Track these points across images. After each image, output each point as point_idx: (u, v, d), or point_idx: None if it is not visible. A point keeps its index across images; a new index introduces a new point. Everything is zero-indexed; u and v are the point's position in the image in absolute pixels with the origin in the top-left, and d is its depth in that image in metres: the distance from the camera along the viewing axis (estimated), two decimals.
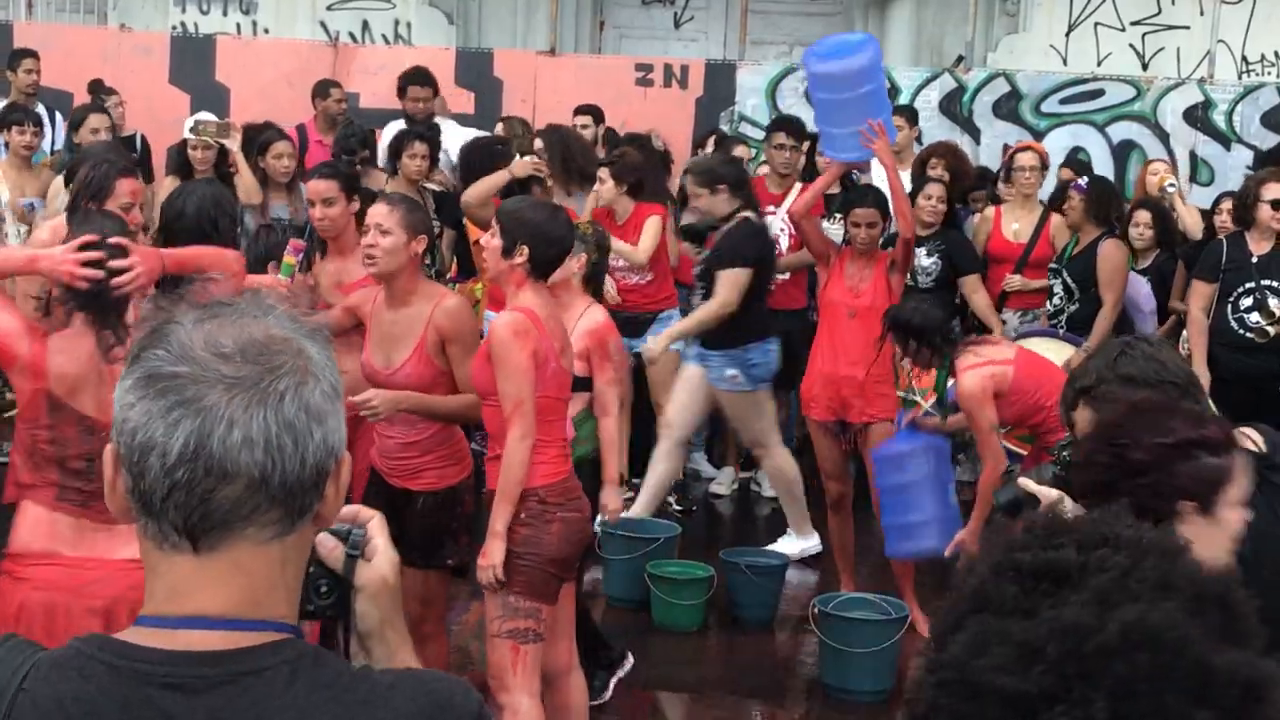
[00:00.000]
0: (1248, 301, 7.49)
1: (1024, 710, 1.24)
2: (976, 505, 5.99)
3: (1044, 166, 8.97)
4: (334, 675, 1.48)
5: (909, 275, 8.27)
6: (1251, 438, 3.15)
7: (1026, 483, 3.16)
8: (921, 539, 6.30)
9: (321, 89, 9.88)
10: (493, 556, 4.47)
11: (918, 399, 7.54)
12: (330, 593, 1.65)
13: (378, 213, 4.94)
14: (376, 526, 1.68)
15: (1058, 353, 7.35)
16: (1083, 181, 8.32)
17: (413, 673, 1.59)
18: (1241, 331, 7.49)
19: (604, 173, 7.86)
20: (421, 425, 4.93)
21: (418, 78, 9.73)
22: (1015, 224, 8.76)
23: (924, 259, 8.37)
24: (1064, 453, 3.33)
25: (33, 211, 8.53)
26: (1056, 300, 8.13)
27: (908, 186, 7.96)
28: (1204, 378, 7.35)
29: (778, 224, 8.49)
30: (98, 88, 10.02)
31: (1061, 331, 7.94)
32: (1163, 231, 8.47)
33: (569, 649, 4.80)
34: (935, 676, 1.31)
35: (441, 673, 1.61)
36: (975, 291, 8.38)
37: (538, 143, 8.63)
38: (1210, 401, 3.36)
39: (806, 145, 8.79)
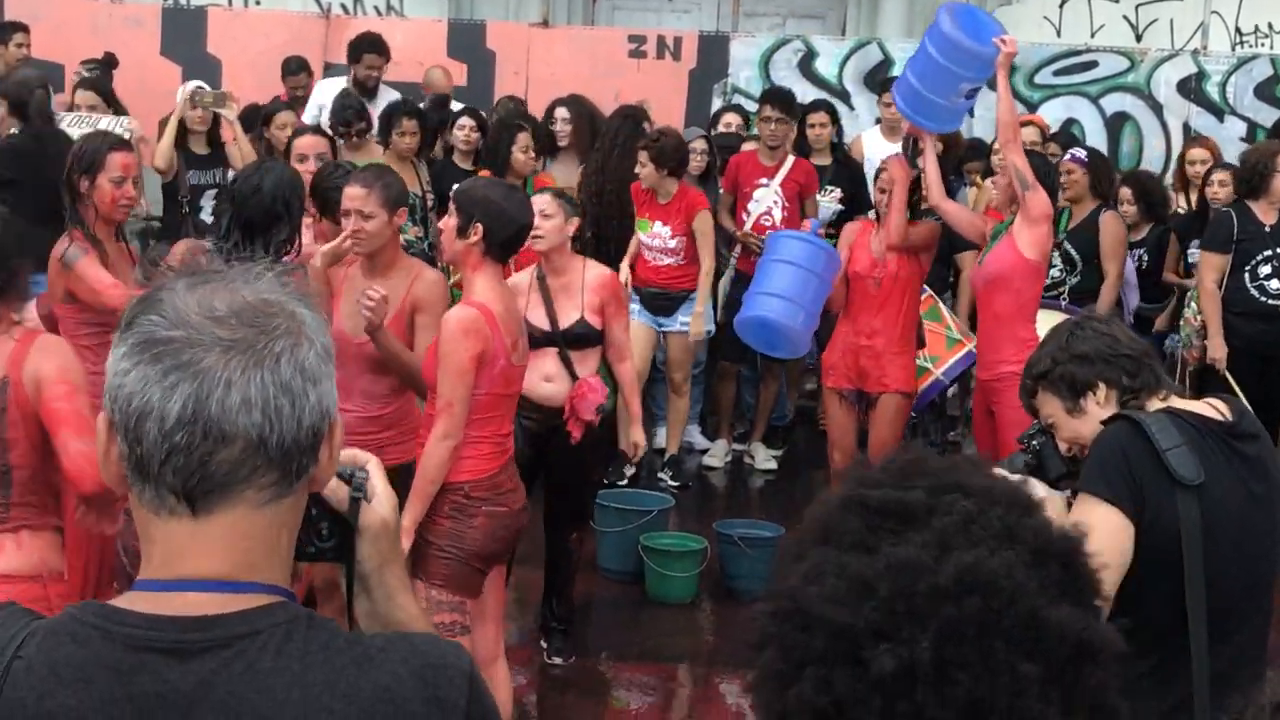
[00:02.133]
0: (1267, 269, 7.58)
1: (850, 643, 1.22)
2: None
3: (1045, 139, 8.95)
4: (328, 638, 1.48)
5: None
6: (1217, 407, 3.16)
7: (1000, 472, 3.17)
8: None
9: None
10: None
11: (929, 366, 7.57)
12: (331, 535, 1.65)
13: (355, 196, 4.91)
14: (375, 468, 1.69)
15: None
16: (1080, 153, 8.29)
17: (405, 635, 1.59)
18: (1264, 299, 7.59)
19: (644, 156, 7.83)
20: (381, 401, 4.95)
21: (372, 45, 9.62)
22: None
23: None
24: (1033, 441, 3.33)
25: None
26: (1055, 272, 8.12)
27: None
28: (1222, 350, 7.41)
29: (770, 198, 8.48)
30: (94, 62, 9.94)
31: (1064, 303, 7.95)
32: (1147, 205, 8.50)
33: (494, 640, 4.74)
34: (771, 605, 1.30)
35: (433, 635, 1.62)
36: (966, 266, 8.36)
37: (561, 111, 8.64)
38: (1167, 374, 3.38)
39: (796, 119, 8.78)
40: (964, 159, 9.40)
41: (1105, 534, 2.96)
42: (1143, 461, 3.00)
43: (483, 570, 4.55)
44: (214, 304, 1.46)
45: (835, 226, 8.96)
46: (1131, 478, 2.99)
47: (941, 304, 7.97)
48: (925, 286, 7.99)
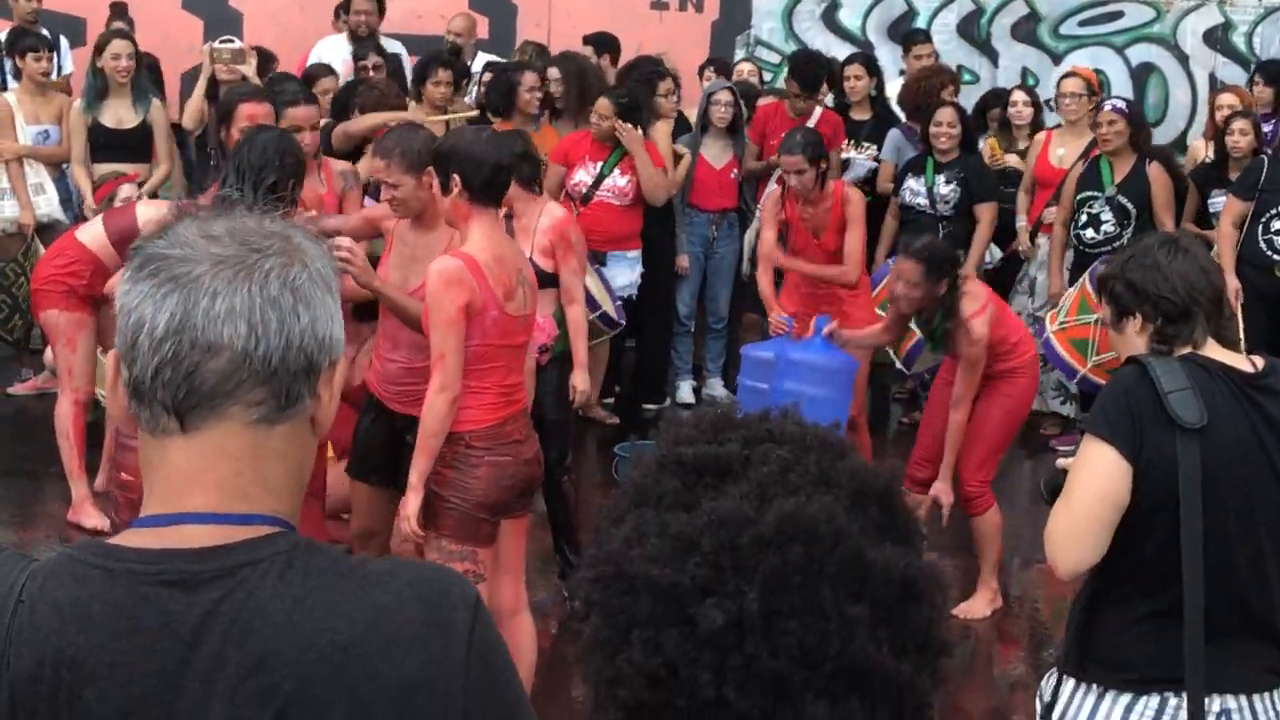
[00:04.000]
0: (1278, 225, 7.55)
1: (677, 602, 1.22)
2: (946, 453, 5.87)
3: (1092, 93, 8.86)
4: (329, 562, 1.49)
5: (930, 203, 8.30)
6: (1253, 360, 3.16)
7: (1065, 463, 3.19)
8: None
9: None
10: (407, 508, 4.45)
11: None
12: None
13: (376, 169, 4.96)
14: None
15: None
16: (1120, 102, 8.23)
17: (410, 562, 1.59)
18: (1269, 254, 7.57)
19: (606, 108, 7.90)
20: (428, 352, 4.95)
21: None
22: (1061, 149, 8.70)
23: (943, 187, 8.34)
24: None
25: (46, 140, 8.52)
26: (1108, 227, 8.06)
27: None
28: (1233, 283, 7.41)
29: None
30: (119, 11, 9.93)
31: None
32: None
33: (515, 590, 4.74)
34: (593, 572, 1.29)
35: (439, 565, 1.65)
36: (983, 218, 8.34)
37: (553, 70, 8.60)
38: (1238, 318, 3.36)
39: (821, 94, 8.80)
40: (986, 105, 9.35)
41: (1099, 473, 3.02)
42: (1144, 404, 3.01)
43: (490, 520, 4.55)
44: (212, 228, 1.50)
45: (870, 184, 8.97)
46: (1132, 419, 3.00)
47: None
48: None
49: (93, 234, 6.37)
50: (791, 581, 1.21)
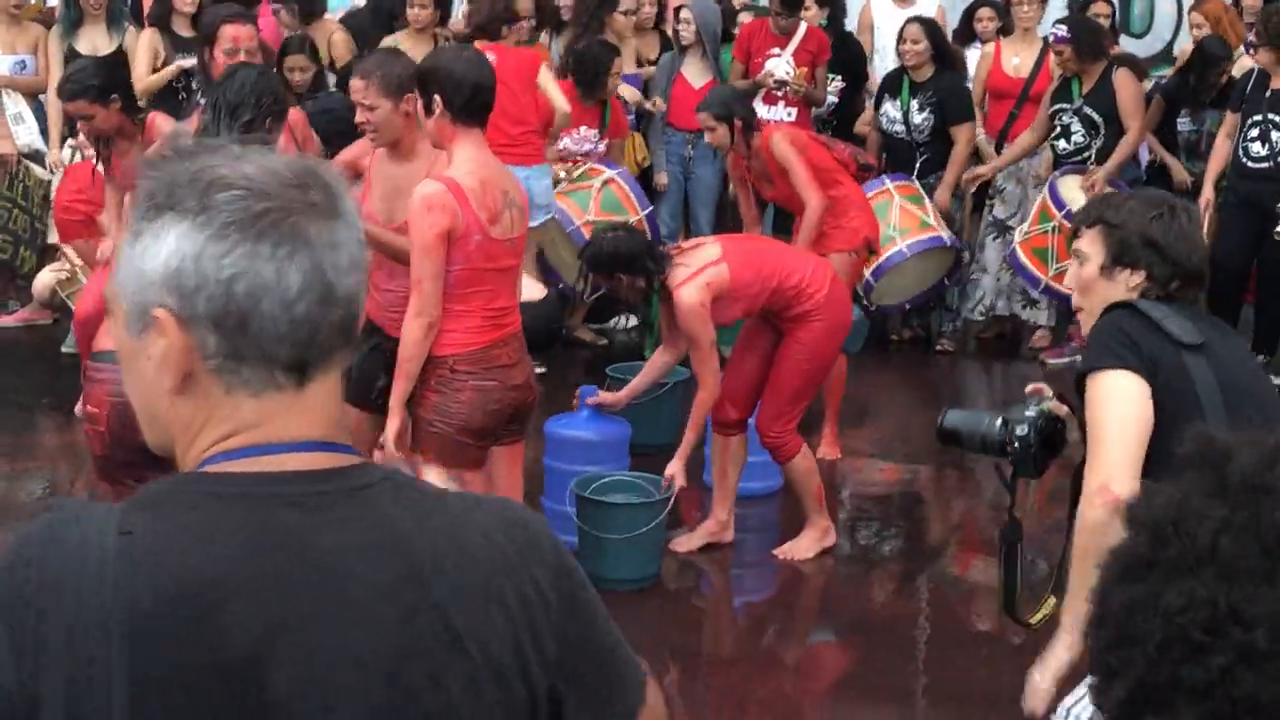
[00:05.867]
0: (1254, 133, 7.65)
1: None
2: (688, 429, 5.65)
3: None
4: (424, 493, 1.51)
5: (906, 129, 8.28)
6: None
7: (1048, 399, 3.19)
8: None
9: None
10: (388, 431, 4.49)
11: (894, 235, 7.62)
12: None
13: (356, 89, 4.85)
14: None
15: None
16: (1061, 31, 8.12)
17: (488, 496, 1.63)
18: (1246, 161, 7.77)
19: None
20: None
21: None
22: (1015, 58, 8.71)
23: (916, 115, 8.33)
24: (1019, 430, 3.20)
25: (23, 70, 8.44)
26: (1077, 138, 8.10)
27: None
28: (1207, 194, 7.84)
29: (782, 67, 8.41)
30: None
31: (1091, 165, 7.98)
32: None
33: None
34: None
35: (516, 501, 1.67)
36: (958, 141, 8.32)
37: None
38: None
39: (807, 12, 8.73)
40: (973, 7, 9.26)
41: (1126, 398, 2.98)
42: (1142, 332, 3.02)
43: (475, 444, 4.57)
44: (276, 168, 1.43)
45: (837, 114, 8.93)
46: (1135, 345, 3.01)
47: (927, 198, 8.00)
48: (912, 178, 8.05)
49: None
50: None
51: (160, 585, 1.33)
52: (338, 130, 6.00)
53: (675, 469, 5.57)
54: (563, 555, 1.54)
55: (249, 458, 1.43)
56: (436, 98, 4.42)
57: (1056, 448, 3.19)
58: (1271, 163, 7.64)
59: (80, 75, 5.94)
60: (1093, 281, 3.20)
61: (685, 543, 5.88)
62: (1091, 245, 3.20)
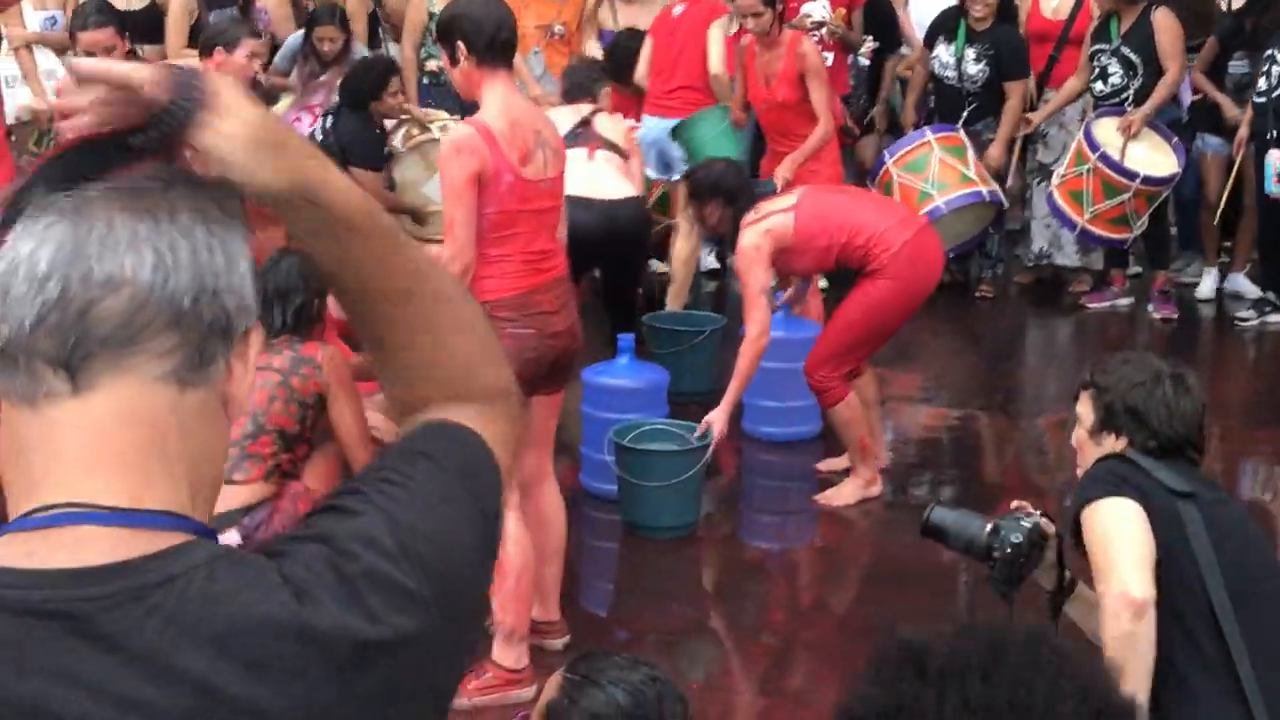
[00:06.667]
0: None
1: None
2: (734, 376, 5.60)
3: None
4: (255, 574, 1.17)
5: (958, 77, 8.17)
6: None
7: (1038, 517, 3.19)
8: None
9: None
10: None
11: (932, 192, 7.52)
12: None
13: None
14: (223, 84, 1.26)
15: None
16: None
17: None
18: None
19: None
20: None
21: None
22: (1054, 1, 8.60)
23: (971, 65, 8.22)
24: (1011, 538, 3.17)
25: (54, 26, 8.41)
26: (1116, 79, 7.99)
27: None
28: (1243, 134, 7.93)
29: (819, 11, 8.26)
30: None
31: (1129, 107, 7.86)
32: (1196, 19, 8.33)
33: (540, 460, 4.68)
34: None
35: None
36: (1011, 96, 8.22)
37: None
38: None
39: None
40: None
41: (1128, 517, 3.06)
42: (1136, 478, 3.12)
43: None
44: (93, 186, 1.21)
45: (870, 74, 8.80)
46: (1127, 481, 3.11)
47: (971, 149, 7.89)
48: (957, 128, 7.94)
49: None
50: None
51: None
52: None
53: (715, 415, 5.55)
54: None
55: (26, 531, 1.15)
56: (460, 44, 4.37)
57: (1033, 564, 3.20)
58: None
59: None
60: (1084, 444, 3.34)
61: (834, 497, 5.83)
62: (1084, 408, 3.34)
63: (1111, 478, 3.13)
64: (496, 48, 4.39)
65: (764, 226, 5.55)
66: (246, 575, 1.16)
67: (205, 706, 1.10)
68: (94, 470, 1.16)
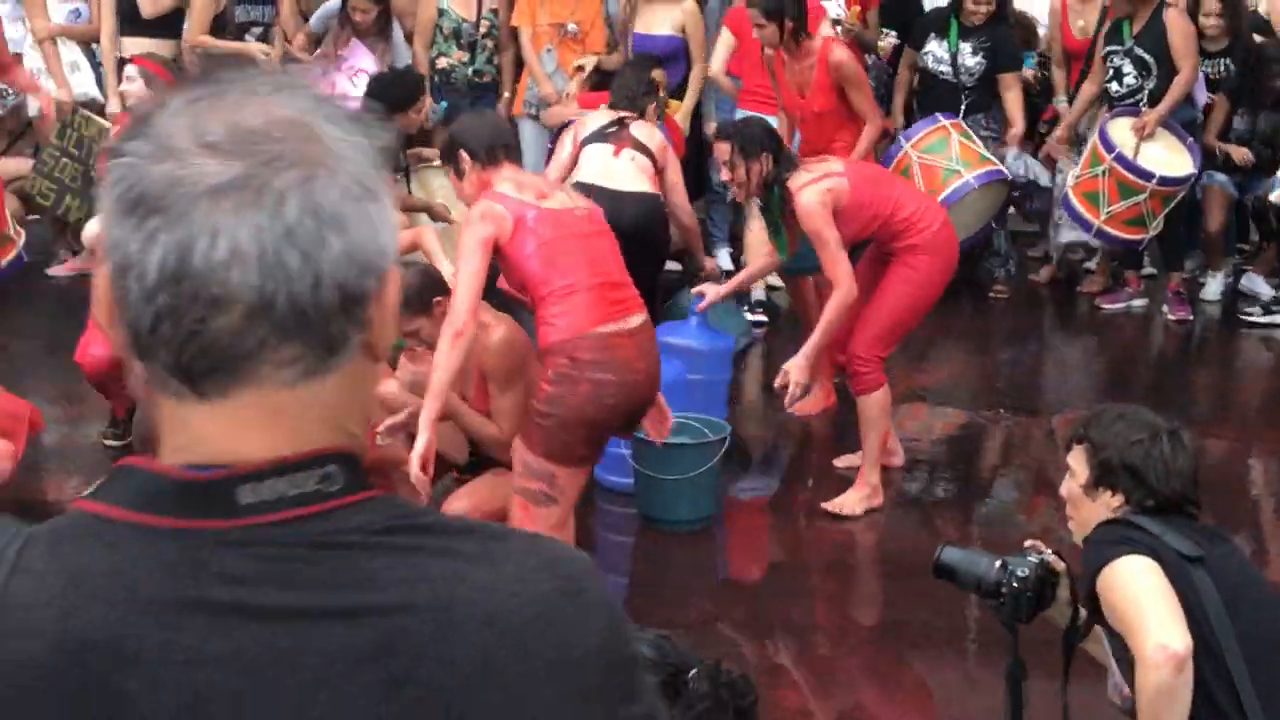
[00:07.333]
0: None
1: None
2: (818, 328, 5.59)
3: None
4: (426, 522, 1.18)
5: (954, 71, 8.19)
6: None
7: (1044, 550, 3.21)
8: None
9: None
10: (415, 448, 4.37)
11: (959, 169, 7.52)
12: None
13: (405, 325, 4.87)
14: None
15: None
16: None
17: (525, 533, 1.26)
18: None
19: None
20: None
21: None
22: (1080, 20, 8.66)
23: (968, 58, 8.23)
24: (1017, 574, 3.20)
25: (78, 19, 8.46)
26: (1130, 80, 8.01)
27: None
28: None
29: (834, 6, 8.27)
30: None
31: (1144, 108, 7.88)
32: (1233, 17, 8.31)
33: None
34: None
35: (555, 538, 1.31)
36: (1010, 89, 8.23)
37: None
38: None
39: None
40: None
41: (1148, 572, 3.04)
42: (1145, 540, 3.11)
43: (584, 440, 4.47)
44: (208, 125, 1.13)
45: (893, 66, 8.79)
46: (1136, 542, 3.10)
47: (975, 136, 7.90)
48: (959, 119, 7.96)
49: None
50: None
51: (37, 645, 1.10)
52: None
53: (793, 364, 5.55)
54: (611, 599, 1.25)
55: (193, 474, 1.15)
56: (462, 155, 4.63)
57: (1046, 601, 3.22)
58: None
59: None
60: (1078, 498, 3.32)
61: (840, 507, 5.75)
62: (1077, 462, 3.32)
63: (1120, 539, 3.12)
64: (497, 149, 4.64)
65: (824, 185, 5.52)
66: (416, 520, 1.20)
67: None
68: (253, 448, 1.15)
